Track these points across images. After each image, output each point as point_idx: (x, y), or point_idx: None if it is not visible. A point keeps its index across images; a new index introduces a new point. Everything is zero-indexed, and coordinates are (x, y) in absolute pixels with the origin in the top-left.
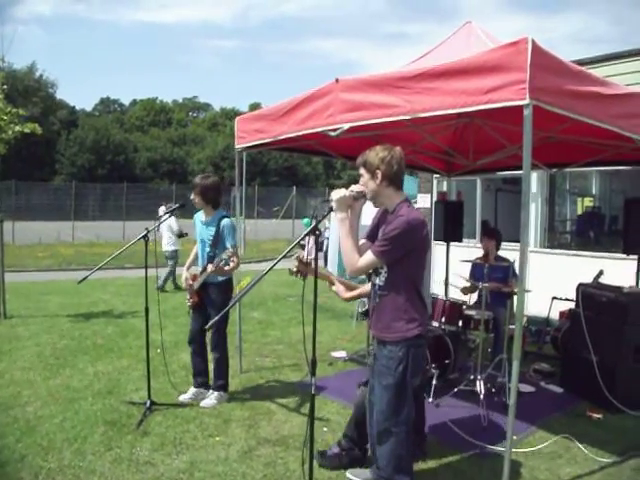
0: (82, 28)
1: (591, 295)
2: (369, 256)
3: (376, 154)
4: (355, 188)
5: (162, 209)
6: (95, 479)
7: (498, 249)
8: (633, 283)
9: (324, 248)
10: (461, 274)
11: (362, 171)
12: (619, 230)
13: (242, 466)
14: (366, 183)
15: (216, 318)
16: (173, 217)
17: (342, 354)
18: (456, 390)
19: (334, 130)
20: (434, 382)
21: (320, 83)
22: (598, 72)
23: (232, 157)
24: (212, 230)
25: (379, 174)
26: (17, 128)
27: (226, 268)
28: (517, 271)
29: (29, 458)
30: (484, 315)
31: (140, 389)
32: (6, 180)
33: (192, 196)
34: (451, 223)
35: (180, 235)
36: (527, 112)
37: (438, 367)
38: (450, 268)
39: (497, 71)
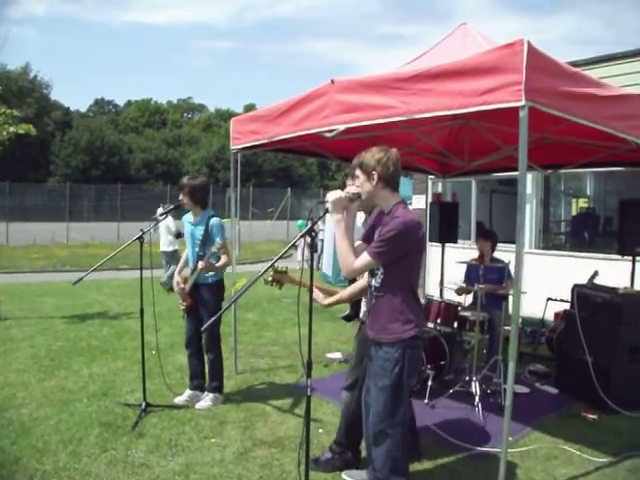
0: (76, 29)
1: (586, 296)
2: (365, 257)
3: (372, 155)
4: (351, 189)
5: (160, 210)
6: None
7: (494, 251)
8: (628, 284)
9: (318, 250)
10: (456, 281)
11: (358, 172)
12: (614, 231)
13: (238, 468)
14: (362, 184)
15: (211, 320)
16: (170, 218)
17: (337, 355)
18: (451, 391)
19: (330, 131)
20: (430, 383)
21: (314, 84)
22: (593, 73)
23: (227, 158)
24: (201, 230)
25: (375, 175)
26: (11, 129)
27: (217, 264)
28: (512, 272)
29: (24, 460)
30: (479, 316)
31: (135, 391)
32: (0, 181)
33: (180, 197)
34: (446, 224)
35: (178, 235)
36: (523, 113)
37: (433, 368)
38: (445, 269)
39: (493, 72)
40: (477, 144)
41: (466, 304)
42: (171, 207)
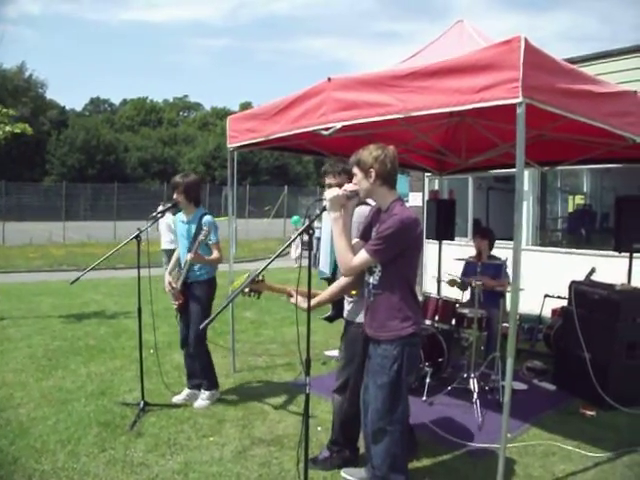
0: (72, 28)
1: (583, 292)
2: (363, 255)
3: (370, 153)
4: (348, 187)
5: (160, 208)
6: None
7: (491, 249)
8: (625, 280)
9: (314, 248)
10: (451, 272)
11: (355, 170)
12: (610, 228)
13: (237, 466)
14: (359, 182)
15: (210, 318)
16: (172, 216)
17: (336, 353)
18: (450, 388)
19: (327, 129)
20: (428, 380)
21: (311, 82)
22: (589, 70)
23: (223, 156)
24: (193, 227)
25: (373, 173)
26: (7, 128)
27: (207, 258)
28: (509, 270)
29: (22, 460)
30: (477, 313)
31: (133, 390)
32: None
33: (175, 195)
34: (443, 221)
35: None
36: (520, 110)
37: (431, 365)
38: (442, 266)
39: (490, 69)
40: (474, 141)
41: (464, 301)
42: (169, 206)
